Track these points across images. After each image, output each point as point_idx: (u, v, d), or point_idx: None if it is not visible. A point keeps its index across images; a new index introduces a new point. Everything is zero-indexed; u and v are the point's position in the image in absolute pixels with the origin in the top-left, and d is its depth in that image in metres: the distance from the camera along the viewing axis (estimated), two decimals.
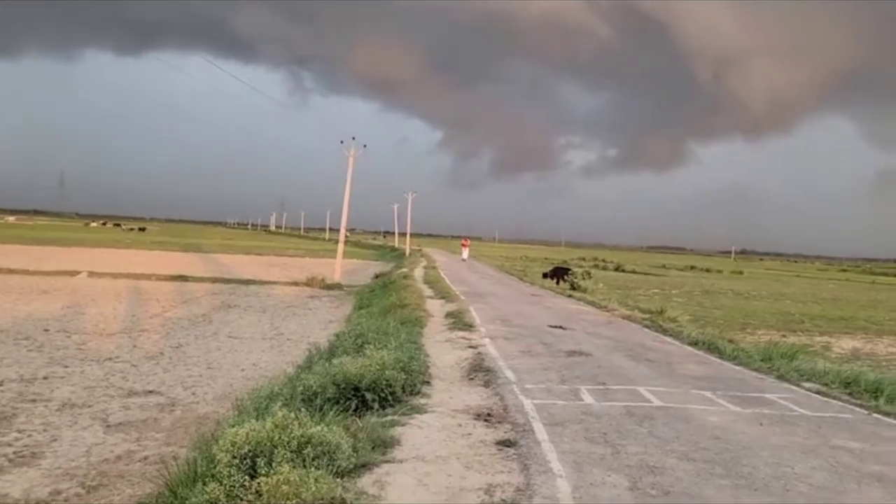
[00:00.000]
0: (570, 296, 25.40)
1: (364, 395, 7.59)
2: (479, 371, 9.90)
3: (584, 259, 76.10)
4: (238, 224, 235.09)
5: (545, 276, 34.56)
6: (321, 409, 6.96)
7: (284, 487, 4.31)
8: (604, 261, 75.37)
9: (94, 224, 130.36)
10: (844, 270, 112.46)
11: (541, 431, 6.76)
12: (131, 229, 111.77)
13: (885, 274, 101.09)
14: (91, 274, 30.90)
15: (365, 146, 34.82)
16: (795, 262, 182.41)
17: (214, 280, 31.68)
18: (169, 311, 21.38)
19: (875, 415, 8.32)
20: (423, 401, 8.03)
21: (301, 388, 7.72)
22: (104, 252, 46.62)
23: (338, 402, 7.37)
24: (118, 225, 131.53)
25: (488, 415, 7.46)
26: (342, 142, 34.34)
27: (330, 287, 30.86)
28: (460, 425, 7.02)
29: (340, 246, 36.57)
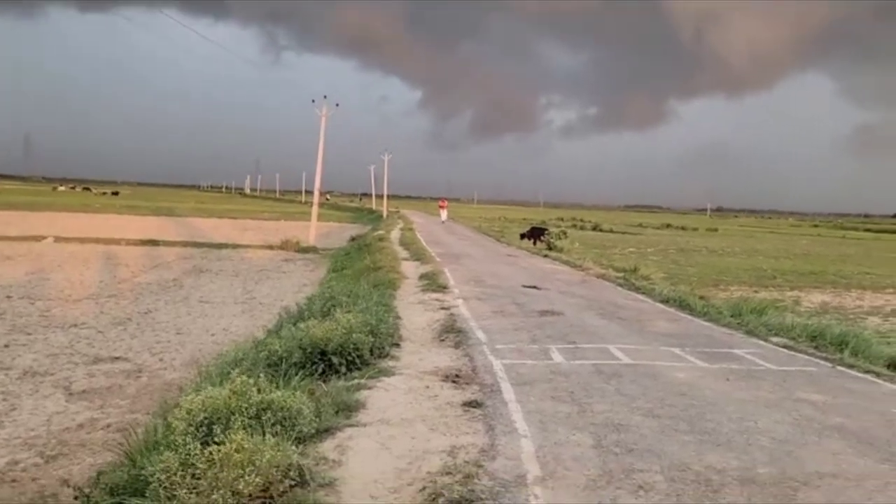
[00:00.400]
0: (546, 256, 25.41)
1: (331, 359, 7.48)
2: (451, 332, 9.82)
3: (562, 219, 76.18)
4: (212, 187, 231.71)
5: (522, 236, 34.55)
6: (286, 375, 6.84)
7: (237, 455, 4.19)
8: (582, 220, 75.62)
9: (62, 188, 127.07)
10: (816, 226, 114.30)
11: (508, 392, 6.72)
12: (104, 193, 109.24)
13: (856, 229, 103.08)
14: (58, 239, 30.18)
15: (337, 105, 34.16)
16: (769, 218, 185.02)
17: (186, 244, 31.15)
18: (138, 277, 20.99)
19: (839, 367, 8.44)
20: (391, 363, 7.95)
21: (266, 353, 7.58)
22: (72, 217, 45.55)
23: (304, 367, 7.25)
24: (88, 189, 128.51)
25: (456, 376, 7.40)
26: (314, 101, 33.62)
27: (305, 250, 30.55)
28: (427, 387, 6.95)
29: (315, 208, 36.13)
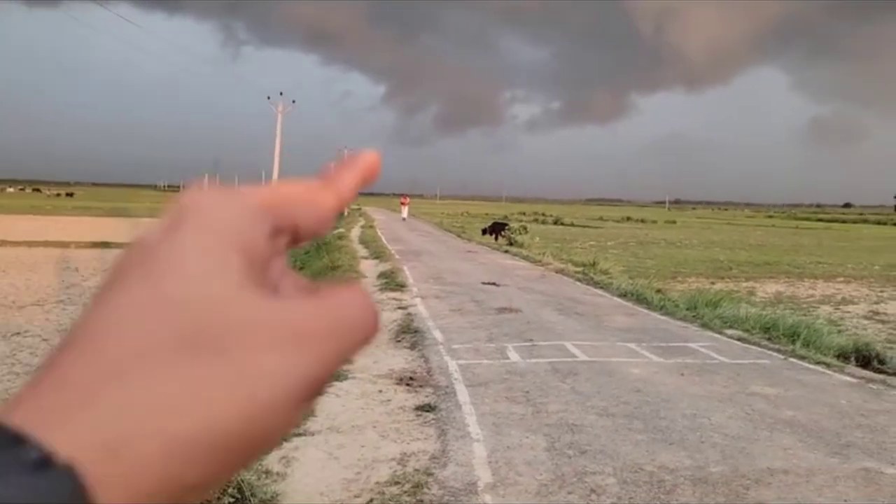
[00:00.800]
0: (506, 251, 25.42)
1: None
2: (407, 332, 9.66)
3: (524, 214, 76.68)
4: (169, 187, 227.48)
5: (484, 232, 34.55)
6: None
7: None
8: (543, 214, 76.18)
9: (10, 190, 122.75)
10: (770, 217, 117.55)
11: (462, 393, 6.59)
12: (57, 195, 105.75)
13: (808, 219, 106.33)
14: (2, 243, 29.01)
15: (294, 101, 33.61)
16: (725, 209, 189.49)
17: None
18: (89, 280, 20.24)
19: (791, 359, 8.53)
20: (344, 367, 7.75)
21: None
22: (20, 219, 43.86)
23: None
24: (38, 190, 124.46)
25: (410, 379, 7.25)
26: (269, 97, 33.02)
27: None
28: (381, 391, 6.78)
29: None
